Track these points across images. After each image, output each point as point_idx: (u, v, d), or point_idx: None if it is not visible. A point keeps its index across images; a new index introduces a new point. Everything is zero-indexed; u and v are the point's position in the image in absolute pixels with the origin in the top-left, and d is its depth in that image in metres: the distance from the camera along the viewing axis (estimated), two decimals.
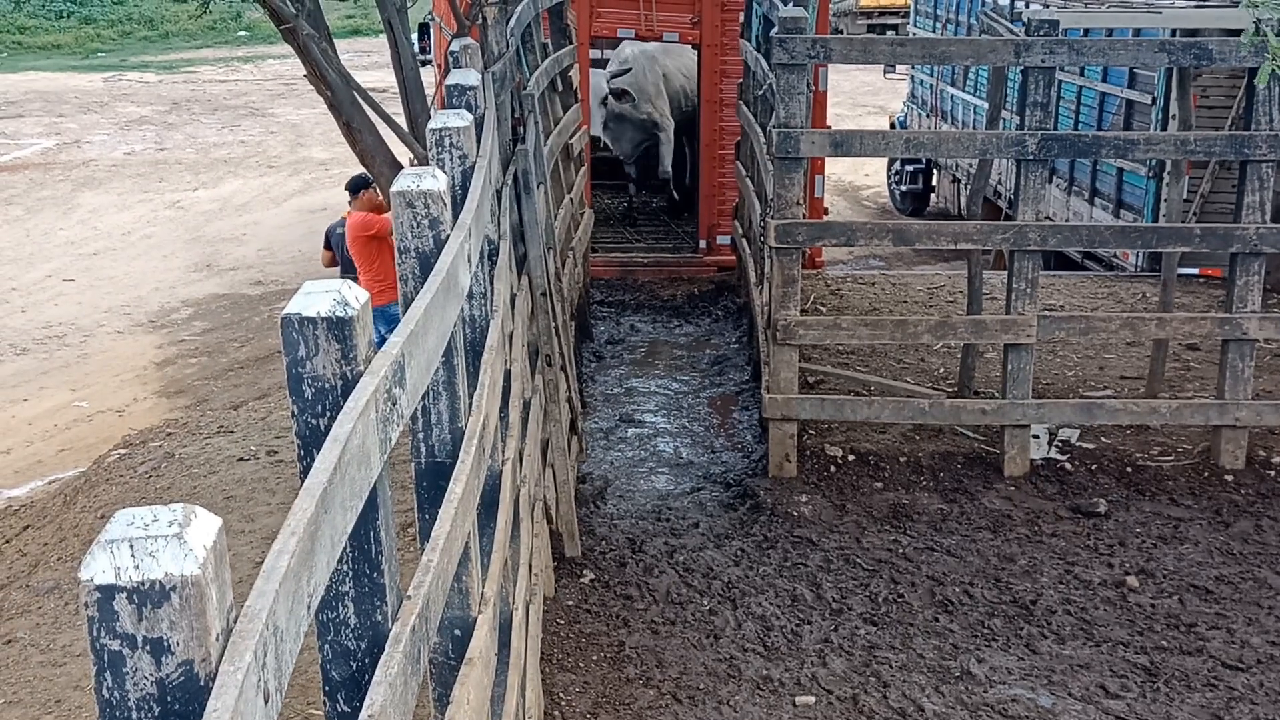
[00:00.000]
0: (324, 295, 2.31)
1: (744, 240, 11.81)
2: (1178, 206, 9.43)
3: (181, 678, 1.51)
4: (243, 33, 43.12)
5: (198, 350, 13.44)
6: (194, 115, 28.91)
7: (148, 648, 1.49)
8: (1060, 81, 13.74)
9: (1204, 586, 7.02)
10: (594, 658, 6.36)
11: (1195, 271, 12.15)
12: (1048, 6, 14.11)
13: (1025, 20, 8.62)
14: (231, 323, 14.35)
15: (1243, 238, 8.17)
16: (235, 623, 1.60)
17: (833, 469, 8.36)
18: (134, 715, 1.51)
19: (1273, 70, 7.69)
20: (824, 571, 7.21)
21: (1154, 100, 12.05)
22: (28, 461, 10.65)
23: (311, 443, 2.29)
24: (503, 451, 4.45)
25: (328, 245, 10.14)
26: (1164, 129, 11.49)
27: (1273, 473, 8.35)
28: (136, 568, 1.47)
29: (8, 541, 8.67)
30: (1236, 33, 8.20)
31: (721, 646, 6.46)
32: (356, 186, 8.97)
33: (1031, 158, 8.09)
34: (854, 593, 6.99)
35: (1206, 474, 8.35)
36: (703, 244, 13.83)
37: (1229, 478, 8.29)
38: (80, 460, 10.23)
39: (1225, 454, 8.39)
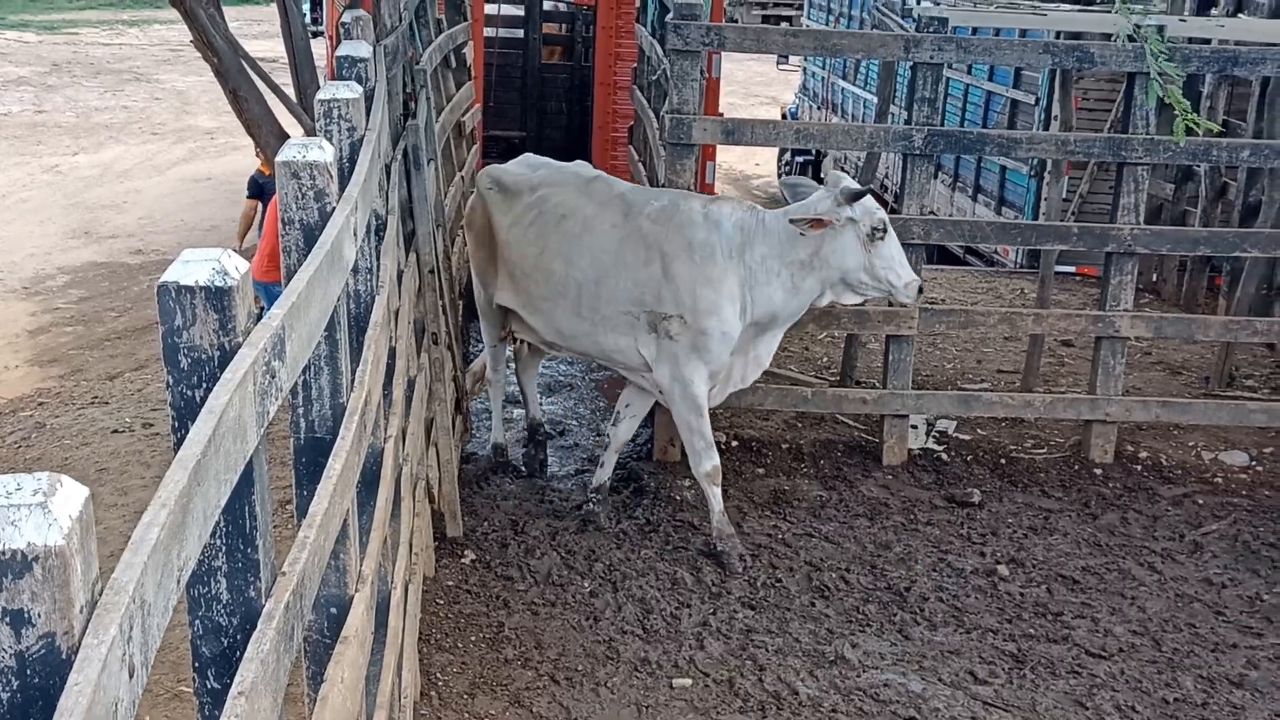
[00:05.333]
0: (203, 264, 2.27)
1: None
2: (1057, 205, 9.68)
3: (43, 650, 1.47)
4: None
5: (73, 319, 13.05)
6: (75, 78, 28.05)
7: (7, 619, 1.45)
8: (948, 79, 14.01)
9: (1071, 576, 7.22)
10: (473, 638, 6.34)
11: (1073, 270, 12.49)
12: (938, 4, 14.34)
13: (916, 16, 8.76)
14: (109, 292, 13.97)
15: (1118, 238, 8.40)
16: (101, 595, 1.57)
17: None
18: None
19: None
20: (705, 556, 7.27)
21: (1037, 100, 12.34)
22: None
23: (186, 414, 2.25)
24: (385, 429, 4.40)
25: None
26: (1046, 129, 11.78)
27: (1139, 467, 8.62)
28: None
29: None
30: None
31: (601, 628, 6.48)
32: None
33: (918, 153, 8.23)
34: (733, 577, 7.06)
35: (1077, 467, 8.58)
36: None
37: (1098, 471, 8.54)
38: None
39: (1095, 448, 8.64)
